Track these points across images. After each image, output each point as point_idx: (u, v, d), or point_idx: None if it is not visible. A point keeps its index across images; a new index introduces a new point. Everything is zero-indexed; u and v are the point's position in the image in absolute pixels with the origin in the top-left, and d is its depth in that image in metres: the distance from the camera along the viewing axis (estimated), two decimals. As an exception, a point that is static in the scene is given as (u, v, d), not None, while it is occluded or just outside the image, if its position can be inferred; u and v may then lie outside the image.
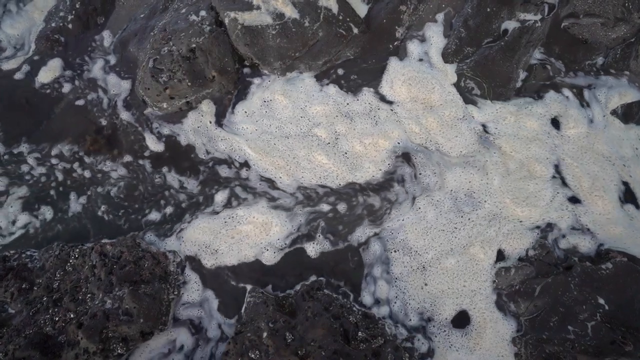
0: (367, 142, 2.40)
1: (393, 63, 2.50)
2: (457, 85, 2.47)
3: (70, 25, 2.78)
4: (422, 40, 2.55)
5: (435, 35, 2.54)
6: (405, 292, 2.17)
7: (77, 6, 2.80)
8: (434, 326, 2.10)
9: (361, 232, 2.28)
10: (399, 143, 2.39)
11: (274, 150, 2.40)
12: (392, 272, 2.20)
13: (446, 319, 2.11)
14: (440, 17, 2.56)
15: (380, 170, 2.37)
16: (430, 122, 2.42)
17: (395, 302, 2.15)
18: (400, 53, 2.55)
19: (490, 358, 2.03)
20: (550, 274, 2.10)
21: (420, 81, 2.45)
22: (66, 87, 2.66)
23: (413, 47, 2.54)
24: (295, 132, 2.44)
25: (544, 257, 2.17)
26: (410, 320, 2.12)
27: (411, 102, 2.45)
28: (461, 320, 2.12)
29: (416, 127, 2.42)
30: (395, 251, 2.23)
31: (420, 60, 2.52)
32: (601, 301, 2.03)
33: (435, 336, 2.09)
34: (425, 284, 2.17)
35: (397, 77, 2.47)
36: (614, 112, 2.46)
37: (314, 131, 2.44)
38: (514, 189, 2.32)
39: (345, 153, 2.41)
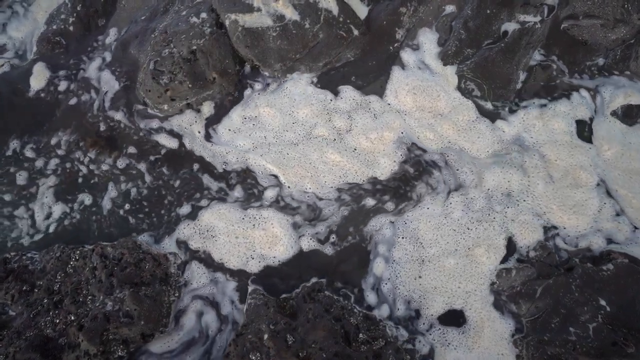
0: (373, 137, 2.41)
1: (396, 73, 2.50)
2: (458, 87, 2.47)
3: (71, 28, 2.80)
4: (416, 49, 2.55)
5: (428, 42, 2.54)
6: (398, 277, 2.18)
7: (79, 8, 2.82)
8: (423, 323, 2.10)
9: (378, 221, 2.30)
10: (402, 133, 2.40)
11: (291, 160, 2.39)
12: (392, 255, 2.20)
13: (432, 315, 2.11)
14: (434, 24, 2.56)
15: (395, 162, 2.38)
16: (446, 129, 2.42)
17: (386, 283, 2.16)
18: (400, 61, 2.55)
19: (490, 357, 2.03)
20: (552, 275, 2.10)
21: (425, 89, 2.45)
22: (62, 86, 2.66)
23: (408, 55, 2.54)
24: (299, 137, 2.45)
25: (545, 258, 2.17)
26: (398, 309, 2.13)
27: (418, 111, 2.45)
28: (457, 318, 2.11)
29: (431, 134, 2.41)
30: (402, 238, 2.23)
31: (420, 68, 2.52)
32: (602, 302, 2.03)
33: (430, 334, 2.08)
34: (420, 277, 2.18)
35: (400, 86, 2.47)
36: (614, 113, 2.46)
37: (315, 132, 2.44)
38: (561, 196, 2.29)
39: (355, 149, 2.41)
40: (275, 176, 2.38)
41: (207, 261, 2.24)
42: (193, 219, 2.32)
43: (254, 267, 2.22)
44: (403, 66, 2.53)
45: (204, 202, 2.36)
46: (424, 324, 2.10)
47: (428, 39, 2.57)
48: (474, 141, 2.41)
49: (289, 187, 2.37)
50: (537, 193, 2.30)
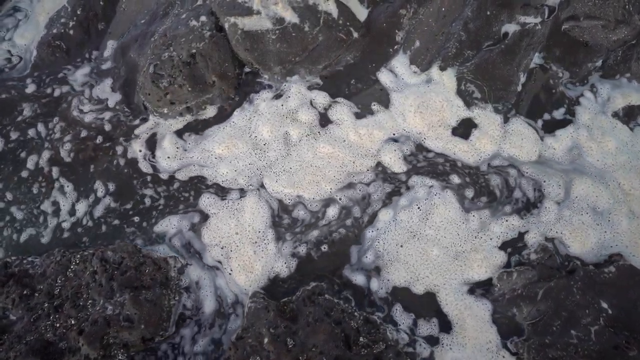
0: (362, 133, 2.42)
1: (394, 95, 2.48)
2: (458, 89, 2.46)
3: (71, 32, 2.80)
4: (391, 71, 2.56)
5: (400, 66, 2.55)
6: (387, 232, 2.23)
7: (78, 12, 2.82)
8: (378, 285, 2.16)
9: (420, 180, 2.35)
10: (394, 134, 2.41)
11: (298, 172, 2.36)
12: (398, 213, 2.26)
13: (389, 280, 2.16)
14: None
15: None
16: (484, 143, 2.40)
17: (373, 231, 2.25)
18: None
19: (480, 346, 2.04)
20: (553, 278, 2.09)
21: (430, 105, 2.44)
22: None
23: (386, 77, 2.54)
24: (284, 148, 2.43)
25: (546, 261, 2.16)
26: (367, 257, 2.20)
27: (431, 128, 2.43)
28: (443, 322, 2.12)
29: (467, 146, 2.40)
30: (418, 207, 2.27)
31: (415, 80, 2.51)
32: (604, 305, 2.02)
33: (422, 339, 2.09)
34: (401, 245, 2.21)
35: (406, 108, 2.45)
36: (615, 115, 2.45)
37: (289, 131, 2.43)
38: None
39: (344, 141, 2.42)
40: (299, 196, 2.33)
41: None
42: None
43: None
44: (396, 89, 2.52)
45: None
46: (379, 287, 2.15)
47: (400, 62, 2.57)
48: (520, 145, 2.40)
49: (313, 198, 2.32)
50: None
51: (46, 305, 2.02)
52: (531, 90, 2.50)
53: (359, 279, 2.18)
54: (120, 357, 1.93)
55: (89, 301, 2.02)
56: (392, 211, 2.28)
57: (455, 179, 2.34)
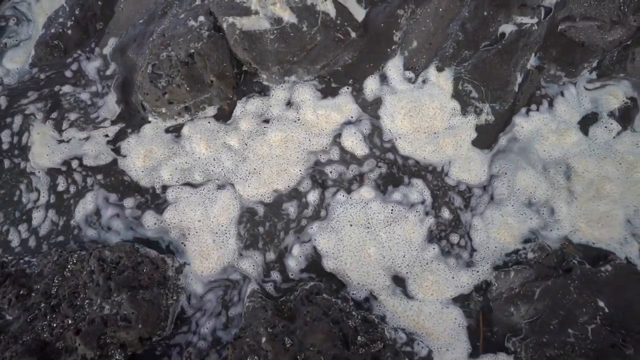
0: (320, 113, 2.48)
1: (388, 98, 2.49)
2: (455, 89, 2.47)
3: (69, 31, 2.80)
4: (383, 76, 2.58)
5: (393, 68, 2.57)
6: (345, 210, 2.31)
7: (77, 12, 2.82)
8: (303, 252, 2.25)
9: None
10: (352, 117, 2.46)
11: (265, 169, 2.40)
12: (359, 193, 2.34)
13: (315, 245, 2.26)
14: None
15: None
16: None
17: (329, 183, 2.35)
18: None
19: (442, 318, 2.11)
20: (550, 277, 2.10)
21: (421, 110, 2.45)
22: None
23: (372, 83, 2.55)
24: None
25: (543, 260, 2.17)
26: (312, 228, 2.29)
27: (413, 132, 2.45)
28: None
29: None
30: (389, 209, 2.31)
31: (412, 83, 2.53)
32: (601, 304, 2.02)
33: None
34: (351, 225, 2.28)
35: (396, 110, 2.46)
36: (611, 115, 2.46)
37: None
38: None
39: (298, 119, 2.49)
40: (276, 190, 2.38)
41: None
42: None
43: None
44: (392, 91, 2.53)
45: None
46: (301, 253, 2.24)
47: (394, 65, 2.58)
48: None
49: (288, 186, 2.37)
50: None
51: (43, 305, 2.01)
52: (527, 91, 2.52)
53: (295, 247, 2.27)
54: (117, 357, 1.92)
55: (86, 301, 2.01)
56: (370, 190, 2.33)
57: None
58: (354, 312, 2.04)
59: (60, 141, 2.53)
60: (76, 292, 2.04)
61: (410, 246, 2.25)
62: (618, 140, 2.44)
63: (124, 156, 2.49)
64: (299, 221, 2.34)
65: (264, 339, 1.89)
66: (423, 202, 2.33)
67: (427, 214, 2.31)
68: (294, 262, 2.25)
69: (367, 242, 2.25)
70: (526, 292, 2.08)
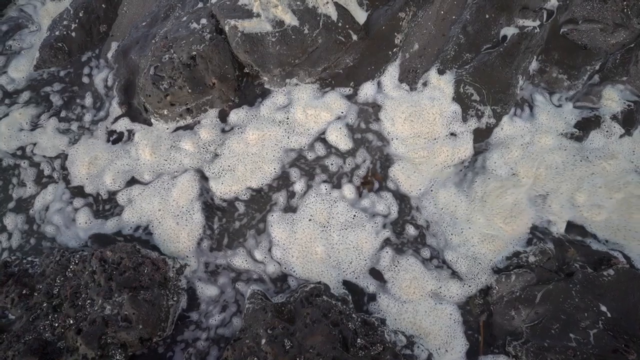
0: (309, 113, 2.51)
1: (388, 102, 2.50)
2: (456, 92, 2.47)
3: (73, 34, 2.83)
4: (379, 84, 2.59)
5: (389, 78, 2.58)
6: (307, 200, 2.36)
7: (81, 15, 2.85)
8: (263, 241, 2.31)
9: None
10: (342, 113, 2.49)
11: (239, 167, 2.44)
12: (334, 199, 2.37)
13: (272, 234, 2.32)
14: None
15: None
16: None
17: (299, 197, 2.39)
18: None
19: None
20: (552, 281, 2.09)
21: (421, 115, 2.45)
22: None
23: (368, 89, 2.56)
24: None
25: (544, 264, 2.15)
26: (273, 216, 2.35)
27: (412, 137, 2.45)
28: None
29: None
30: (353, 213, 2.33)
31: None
32: (603, 308, 2.01)
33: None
34: (310, 219, 2.32)
35: (396, 114, 2.46)
36: (614, 118, 2.45)
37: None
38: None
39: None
40: (251, 188, 2.42)
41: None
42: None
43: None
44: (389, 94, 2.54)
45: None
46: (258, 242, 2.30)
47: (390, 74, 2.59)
48: None
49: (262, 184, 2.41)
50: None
51: (45, 304, 2.03)
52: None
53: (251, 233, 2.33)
54: (117, 357, 1.93)
55: (88, 301, 2.03)
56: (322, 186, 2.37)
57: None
58: (353, 315, 2.04)
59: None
60: (78, 292, 2.05)
61: (360, 255, 2.26)
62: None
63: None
64: (271, 206, 2.39)
65: (263, 341, 1.89)
66: (387, 216, 2.33)
67: (384, 226, 2.32)
68: (253, 242, 2.32)
69: (318, 240, 2.26)
70: (527, 296, 2.07)
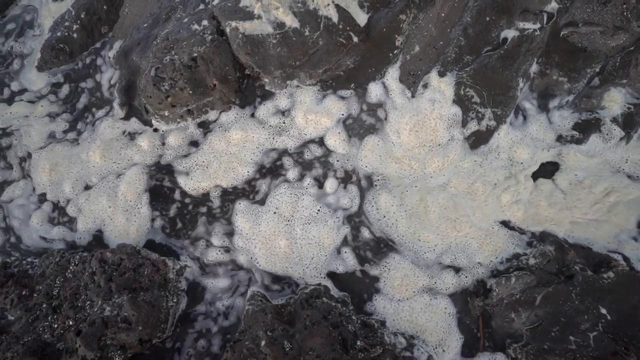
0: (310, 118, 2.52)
1: (392, 114, 2.50)
2: (457, 94, 2.47)
3: (75, 35, 2.84)
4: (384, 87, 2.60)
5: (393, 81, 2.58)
6: (278, 194, 2.39)
7: (82, 16, 2.86)
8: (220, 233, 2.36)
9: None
10: (342, 114, 2.51)
11: (213, 165, 2.46)
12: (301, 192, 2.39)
13: (235, 224, 2.37)
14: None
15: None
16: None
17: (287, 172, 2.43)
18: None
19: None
20: (552, 283, 2.09)
21: (425, 123, 2.45)
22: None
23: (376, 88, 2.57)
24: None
25: (544, 266, 2.15)
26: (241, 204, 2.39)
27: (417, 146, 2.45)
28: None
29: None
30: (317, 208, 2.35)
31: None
32: (603, 311, 2.01)
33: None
34: (275, 212, 2.33)
35: (401, 126, 2.47)
36: (614, 120, 2.45)
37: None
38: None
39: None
40: (220, 186, 2.43)
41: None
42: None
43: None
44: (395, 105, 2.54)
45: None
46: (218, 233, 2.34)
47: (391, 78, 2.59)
48: None
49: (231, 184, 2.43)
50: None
51: (44, 305, 2.03)
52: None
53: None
54: (117, 359, 1.93)
55: (87, 302, 2.03)
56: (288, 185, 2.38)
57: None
58: (353, 317, 2.03)
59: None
60: (77, 293, 2.05)
61: (321, 250, 2.25)
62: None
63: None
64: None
65: (263, 343, 1.89)
66: (347, 210, 2.34)
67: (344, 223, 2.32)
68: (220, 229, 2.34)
69: (281, 233, 2.27)
70: (527, 298, 2.07)
